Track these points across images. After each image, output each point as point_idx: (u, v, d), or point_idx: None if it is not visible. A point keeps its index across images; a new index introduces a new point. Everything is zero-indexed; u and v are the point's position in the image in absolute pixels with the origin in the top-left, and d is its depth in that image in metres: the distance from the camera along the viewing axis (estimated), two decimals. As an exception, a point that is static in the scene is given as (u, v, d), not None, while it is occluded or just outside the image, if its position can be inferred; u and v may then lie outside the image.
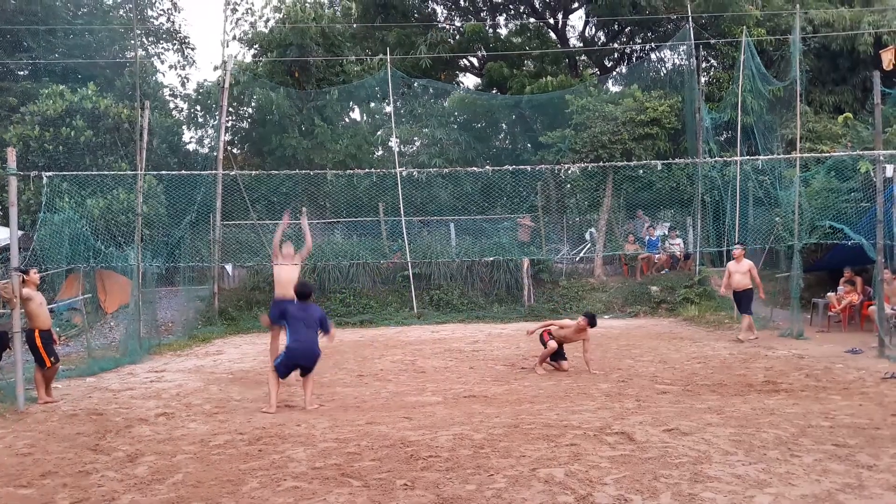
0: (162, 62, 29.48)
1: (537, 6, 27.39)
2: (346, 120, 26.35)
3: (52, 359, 9.47)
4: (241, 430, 7.45)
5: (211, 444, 6.90)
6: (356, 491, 5.37)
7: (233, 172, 19.13)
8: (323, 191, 21.13)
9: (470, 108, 26.81)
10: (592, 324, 10.49)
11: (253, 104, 24.79)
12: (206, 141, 26.33)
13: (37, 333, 9.43)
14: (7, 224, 10.98)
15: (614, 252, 20.61)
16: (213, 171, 18.95)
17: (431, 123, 25.07)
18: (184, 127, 25.87)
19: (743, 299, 13.56)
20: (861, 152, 14.26)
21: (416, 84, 24.85)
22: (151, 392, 9.83)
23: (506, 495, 5.15)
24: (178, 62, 29.12)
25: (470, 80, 31.51)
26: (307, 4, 23.39)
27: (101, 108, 19.38)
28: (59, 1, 25.51)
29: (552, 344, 10.57)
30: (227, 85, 19.87)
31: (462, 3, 27.95)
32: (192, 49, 29.56)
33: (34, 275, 9.81)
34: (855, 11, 21.14)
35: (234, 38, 26.37)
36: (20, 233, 10.86)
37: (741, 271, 13.45)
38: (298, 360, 8.66)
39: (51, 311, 10.76)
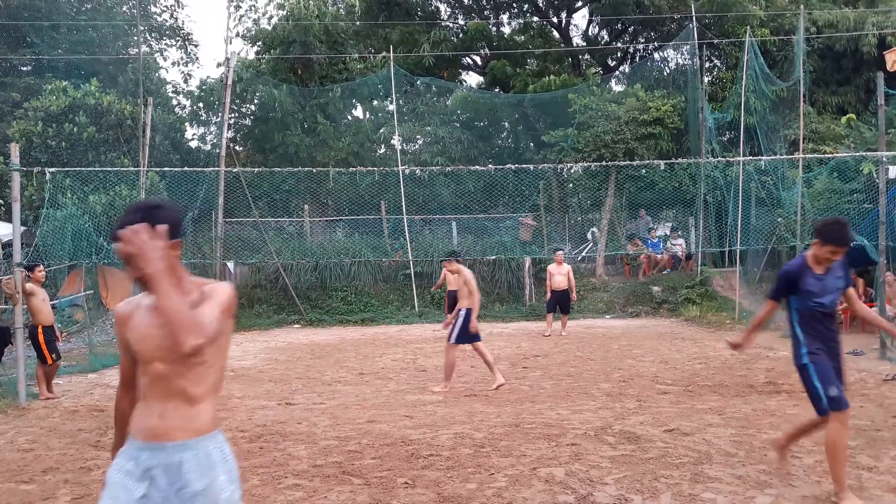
0: (165, 59, 29.50)
1: (541, 5, 27.41)
2: (349, 117, 26.40)
3: (53, 356, 9.49)
4: (242, 427, 7.45)
5: (212, 442, 6.89)
6: (357, 489, 5.37)
7: (235, 169, 19.16)
8: (325, 188, 21.15)
9: (472, 106, 26.82)
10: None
11: (256, 101, 24.84)
12: (209, 138, 26.42)
13: (40, 330, 9.45)
14: (10, 220, 11.01)
15: (616, 252, 20.61)
16: (216, 168, 18.98)
17: (434, 121, 25.07)
18: (186, 124, 25.94)
19: (562, 299, 15.06)
20: (864, 153, 14.25)
21: (418, 82, 24.86)
22: (153, 389, 9.83)
23: (506, 494, 5.15)
24: (181, 59, 29.11)
25: (473, 79, 31.57)
26: (310, 2, 23.40)
27: (104, 105, 19.41)
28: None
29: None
30: (229, 82, 19.86)
31: (465, 1, 27.98)
32: (196, 46, 29.56)
33: (39, 272, 9.83)
34: (859, 12, 21.11)
35: (237, 35, 26.44)
36: (23, 228, 10.89)
37: (561, 273, 15.04)
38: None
39: (53, 307, 10.78)
